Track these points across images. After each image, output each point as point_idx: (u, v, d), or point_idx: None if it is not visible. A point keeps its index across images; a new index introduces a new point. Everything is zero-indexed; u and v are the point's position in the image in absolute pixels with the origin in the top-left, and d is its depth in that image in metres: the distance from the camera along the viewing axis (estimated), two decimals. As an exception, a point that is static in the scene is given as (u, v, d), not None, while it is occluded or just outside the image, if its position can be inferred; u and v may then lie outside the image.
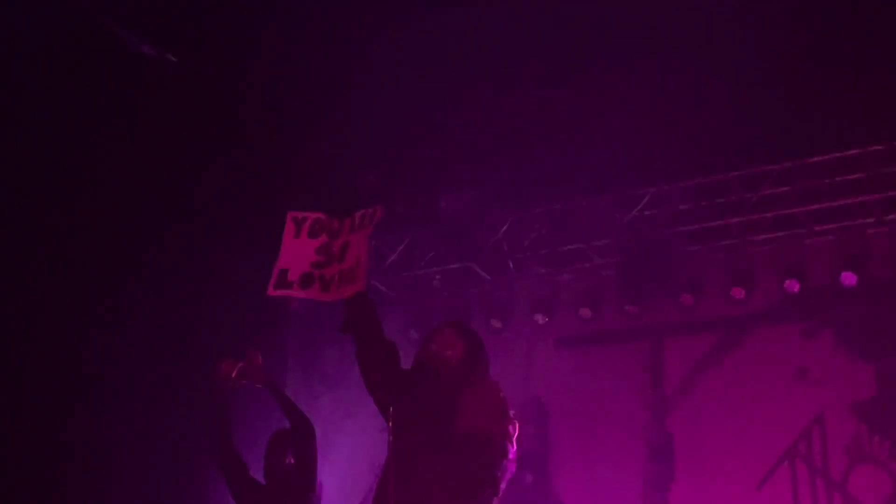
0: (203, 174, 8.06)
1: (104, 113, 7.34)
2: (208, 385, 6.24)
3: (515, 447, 3.78)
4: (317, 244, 4.04)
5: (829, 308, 7.76)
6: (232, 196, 8.34)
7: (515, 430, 3.79)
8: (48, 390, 7.53)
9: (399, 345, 4.07)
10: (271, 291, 4.06)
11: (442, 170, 8.15)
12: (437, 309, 9.11)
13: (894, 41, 6.72)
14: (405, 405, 3.74)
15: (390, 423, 3.66)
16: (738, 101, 7.09)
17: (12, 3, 6.59)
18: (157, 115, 7.39)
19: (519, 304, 8.96)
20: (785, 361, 7.78)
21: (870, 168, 7.49)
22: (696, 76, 7.03)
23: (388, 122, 7.54)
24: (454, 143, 7.77)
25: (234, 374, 6.01)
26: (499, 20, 7.08)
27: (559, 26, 7.15)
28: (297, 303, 9.62)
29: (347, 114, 7.55)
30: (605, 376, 8.47)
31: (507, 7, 6.99)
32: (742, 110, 7.08)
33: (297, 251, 4.04)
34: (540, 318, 8.73)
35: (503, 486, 3.73)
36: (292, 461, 6.07)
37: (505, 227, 8.72)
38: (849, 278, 7.54)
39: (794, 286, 7.77)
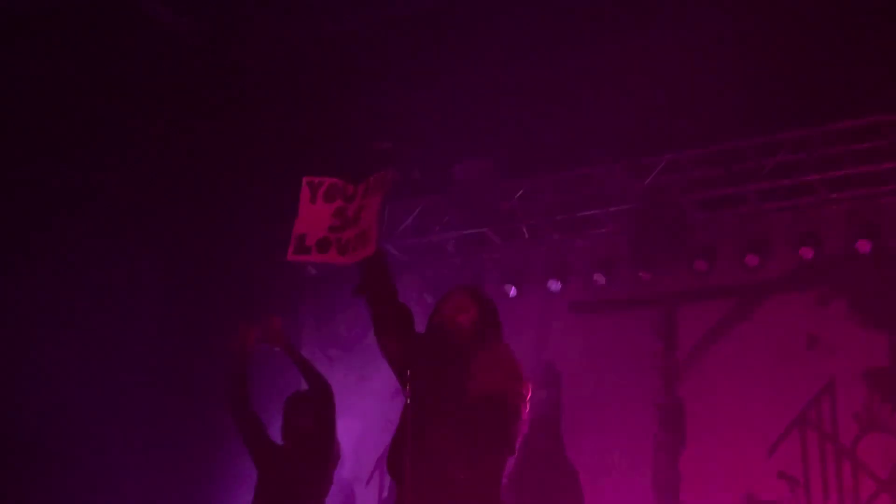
0: (216, 141, 8.07)
1: (115, 80, 7.35)
2: (226, 350, 6.32)
3: (529, 408, 3.82)
4: (333, 208, 4.08)
5: (842, 276, 7.75)
6: (245, 164, 8.36)
7: (528, 392, 3.84)
8: (62, 355, 7.61)
9: (413, 310, 4.11)
10: (290, 256, 4.11)
11: (456, 136, 8.14)
12: (451, 274, 9.14)
13: (913, 7, 6.66)
14: (419, 368, 3.77)
15: (405, 386, 3.69)
16: (754, 67, 7.06)
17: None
18: (168, 81, 7.39)
19: (533, 270, 8.97)
20: (798, 329, 7.78)
21: (887, 136, 7.44)
22: (713, 42, 6.99)
23: (403, 89, 7.53)
24: (469, 109, 7.76)
25: (252, 337, 6.09)
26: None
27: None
28: (312, 267, 9.68)
29: (361, 81, 7.55)
30: (617, 342, 8.49)
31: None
32: (758, 77, 7.05)
33: (313, 216, 4.08)
34: (553, 284, 8.75)
35: (517, 446, 3.78)
36: (310, 422, 6.14)
37: (519, 194, 8.72)
38: (864, 246, 7.53)
39: (808, 253, 7.76)
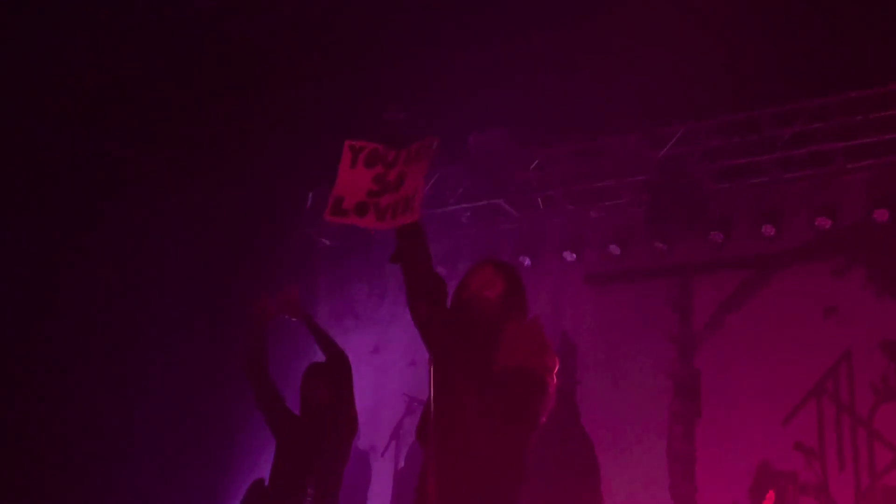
0: (234, 115, 8.07)
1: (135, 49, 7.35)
2: (244, 320, 6.35)
3: (556, 381, 3.81)
4: (372, 174, 4.04)
5: (859, 246, 7.71)
6: (263, 135, 8.35)
7: (556, 365, 3.83)
8: (89, 322, 7.67)
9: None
10: (328, 217, 4.08)
11: (472, 106, 8.11)
12: (466, 245, 9.15)
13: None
14: (447, 342, 3.76)
15: (432, 359, 3.68)
16: (771, 35, 6.99)
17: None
18: (186, 53, 7.39)
19: (548, 241, 8.96)
20: (814, 299, 7.76)
21: (904, 104, 7.39)
22: (729, 9, 6.92)
23: (419, 58, 7.49)
24: (484, 78, 7.72)
25: (271, 308, 6.11)
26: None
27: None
28: (326, 238, 9.70)
29: (378, 49, 7.51)
30: (633, 313, 8.49)
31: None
32: (775, 45, 6.98)
33: (352, 180, 4.05)
34: (568, 255, 8.75)
35: (543, 419, 3.78)
36: (325, 394, 6.17)
37: (534, 164, 8.70)
38: (881, 215, 7.48)
39: (825, 223, 7.73)
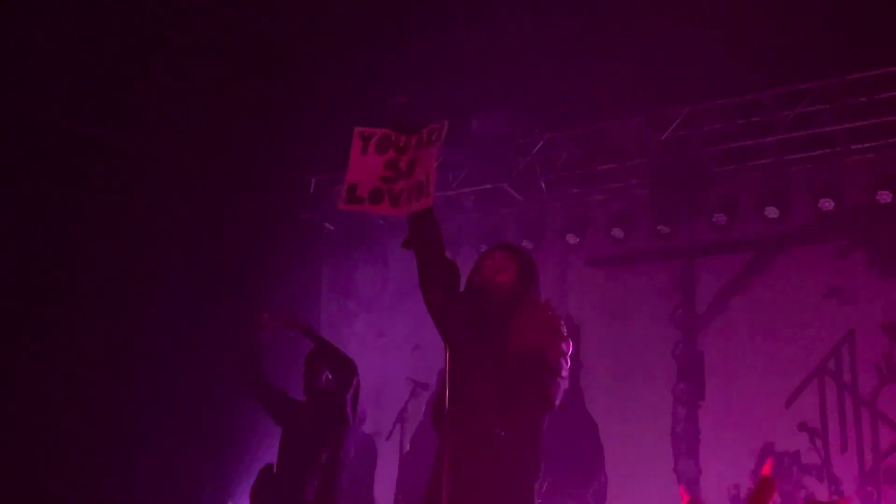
0: (237, 100, 8.07)
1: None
2: (245, 310, 6.42)
3: (569, 364, 3.83)
4: (384, 160, 4.03)
5: (863, 227, 7.72)
6: (265, 122, 8.35)
7: (569, 348, 3.85)
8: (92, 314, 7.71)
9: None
10: (342, 206, 4.07)
11: (474, 90, 8.10)
12: (469, 230, 9.16)
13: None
14: (460, 326, 3.77)
15: (446, 343, 3.70)
16: (773, 17, 6.97)
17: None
18: (191, 34, 7.38)
19: (551, 224, 8.98)
20: (817, 280, 7.78)
21: (908, 86, 7.37)
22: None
23: (420, 42, 7.48)
24: (486, 62, 7.70)
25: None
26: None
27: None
28: (329, 223, 9.72)
29: (379, 34, 7.50)
30: (636, 296, 8.52)
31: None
32: (777, 27, 6.96)
33: (365, 166, 4.04)
34: (572, 239, 8.76)
35: (557, 402, 3.80)
36: (327, 377, 6.22)
37: (537, 148, 8.69)
38: (884, 197, 7.48)
39: (828, 205, 7.73)
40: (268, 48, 7.57)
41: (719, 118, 8.04)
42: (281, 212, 9.42)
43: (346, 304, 9.79)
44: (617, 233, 8.53)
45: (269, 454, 6.62)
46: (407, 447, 7.71)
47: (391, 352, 9.30)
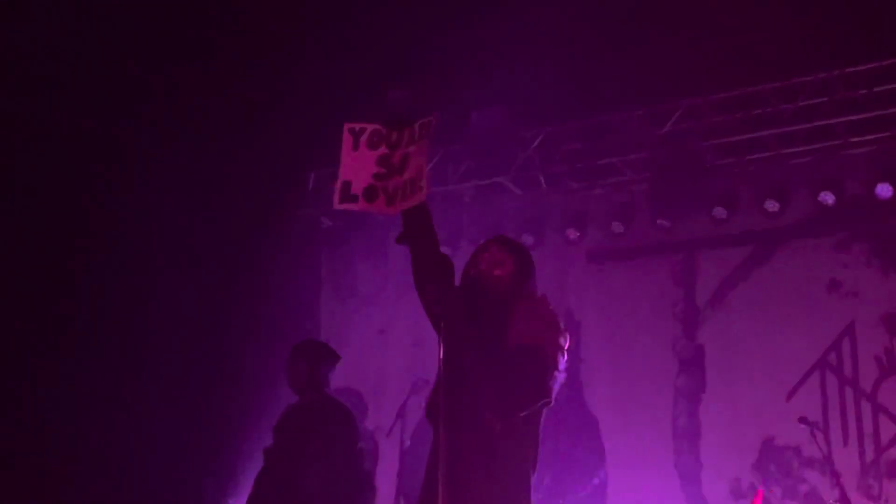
0: (236, 94, 8.07)
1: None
2: (244, 306, 6.38)
3: (566, 358, 3.82)
4: (376, 156, 3.99)
5: (863, 220, 7.70)
6: (264, 117, 8.34)
7: (566, 342, 3.84)
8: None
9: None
10: (337, 205, 4.04)
11: (473, 84, 8.08)
12: (469, 224, 9.14)
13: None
14: (457, 320, 3.75)
15: (441, 338, 3.68)
16: (772, 9, 6.95)
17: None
18: (190, 26, 7.37)
19: (550, 218, 8.96)
20: (818, 274, 7.77)
21: (908, 78, 7.35)
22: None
23: (418, 36, 7.47)
24: (485, 56, 7.69)
25: None
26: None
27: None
28: (326, 219, 9.70)
29: (377, 28, 7.48)
30: (636, 290, 8.50)
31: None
32: (777, 20, 6.95)
33: (356, 163, 4.00)
34: (572, 233, 8.74)
35: (554, 396, 3.78)
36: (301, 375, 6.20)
37: (536, 142, 8.68)
38: (884, 190, 7.46)
39: (829, 198, 7.71)
40: (265, 42, 7.56)
41: (719, 111, 8.03)
42: (279, 207, 9.41)
43: (345, 300, 9.77)
44: (617, 227, 8.51)
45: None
46: (407, 443, 7.70)
47: (391, 347, 9.29)
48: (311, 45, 7.67)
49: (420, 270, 3.97)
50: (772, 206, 7.92)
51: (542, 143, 8.66)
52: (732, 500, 7.70)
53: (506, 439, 3.70)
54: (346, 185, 4.01)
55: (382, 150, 4.01)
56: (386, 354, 9.29)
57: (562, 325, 3.86)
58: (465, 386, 3.67)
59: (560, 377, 3.79)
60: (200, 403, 8.34)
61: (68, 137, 7.69)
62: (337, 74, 7.85)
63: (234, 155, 8.69)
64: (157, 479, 7.89)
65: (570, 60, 7.65)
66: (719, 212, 8.10)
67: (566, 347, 3.83)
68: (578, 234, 8.73)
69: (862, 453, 7.39)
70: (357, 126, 4.08)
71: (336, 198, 4.03)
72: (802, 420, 6.90)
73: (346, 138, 4.06)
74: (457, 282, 3.97)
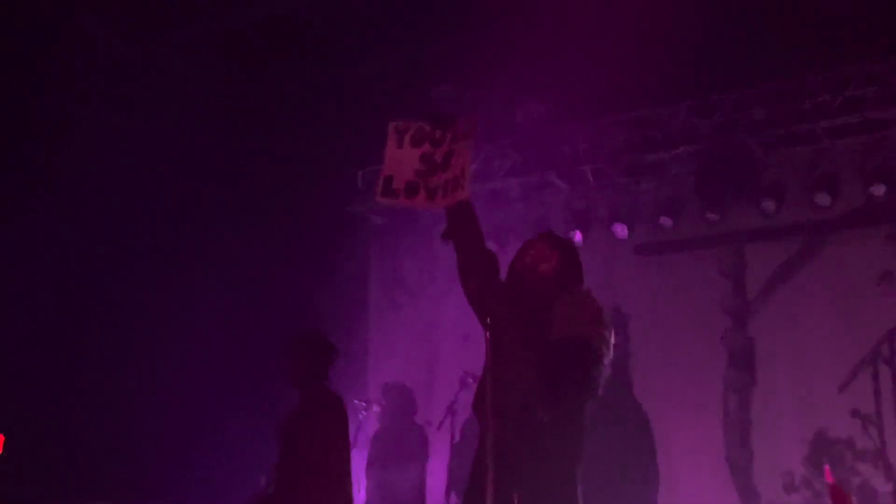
0: (286, 94, 8.17)
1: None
2: (294, 303, 6.41)
3: (612, 352, 3.84)
4: (420, 153, 4.08)
5: (915, 211, 7.62)
6: (314, 116, 8.43)
7: (612, 336, 3.86)
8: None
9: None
10: (378, 198, 4.14)
11: (519, 79, 8.10)
12: (516, 220, 9.17)
13: None
14: (503, 315, 3.80)
15: (487, 333, 3.73)
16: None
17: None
18: (238, 28, 7.47)
19: (598, 213, 8.96)
20: (869, 265, 7.68)
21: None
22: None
23: (464, 32, 7.51)
24: (531, 52, 7.71)
25: None
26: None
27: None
28: (377, 216, 9.79)
29: (424, 25, 7.54)
30: (685, 284, 8.47)
31: None
32: (824, 9, 6.89)
33: (400, 160, 4.09)
34: (619, 227, 8.73)
35: (600, 389, 3.81)
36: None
37: (583, 137, 8.68)
38: (937, 180, 7.38)
39: (879, 190, 7.63)
40: (316, 41, 7.65)
41: (767, 103, 7.97)
42: (329, 205, 9.51)
43: (394, 295, 9.84)
44: (665, 221, 8.49)
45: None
46: (458, 437, 7.75)
47: (440, 342, 9.34)
48: (359, 43, 7.74)
49: (465, 266, 4.03)
50: (821, 198, 7.86)
51: (589, 138, 8.66)
52: (785, 493, 7.65)
53: (552, 432, 3.73)
54: (388, 179, 4.10)
55: (426, 147, 4.09)
56: (435, 348, 9.34)
57: (607, 319, 3.88)
58: (512, 379, 3.70)
59: (606, 370, 3.81)
60: (250, 399, 8.46)
61: (116, 135, 7.84)
62: (384, 72, 7.92)
63: (284, 153, 8.80)
64: (204, 475, 8.01)
65: (616, 54, 7.65)
66: (768, 204, 8.05)
67: (612, 341, 3.85)
68: (626, 228, 8.72)
69: (917, 446, 7.31)
70: (402, 123, 4.16)
71: (377, 191, 4.11)
72: (856, 413, 6.85)
73: (391, 135, 4.15)
74: (501, 277, 4.02)
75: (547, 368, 3.70)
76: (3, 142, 7.26)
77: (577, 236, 8.74)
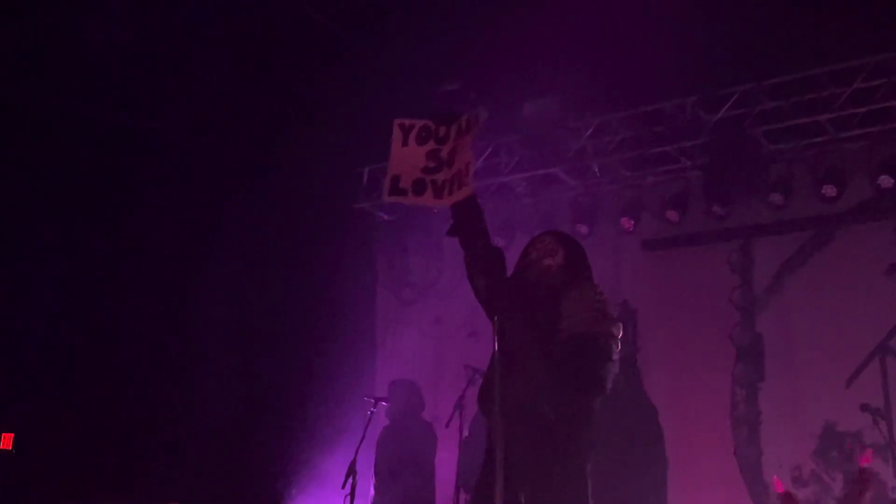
0: (294, 91, 8.17)
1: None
2: (301, 300, 6.44)
3: (620, 348, 3.84)
4: (426, 151, 4.10)
5: (923, 203, 7.60)
6: (319, 113, 8.44)
7: (619, 332, 3.86)
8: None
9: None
10: (386, 198, 4.15)
11: (525, 75, 8.09)
12: (523, 215, 9.16)
13: None
14: (510, 310, 3.79)
15: (495, 328, 3.73)
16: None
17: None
18: (244, 27, 7.48)
19: (605, 208, 8.95)
20: (876, 258, 7.66)
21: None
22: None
23: (471, 29, 7.50)
24: (537, 47, 7.70)
25: None
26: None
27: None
28: (383, 212, 9.79)
29: (431, 21, 7.53)
30: (692, 278, 8.46)
31: None
32: (832, 2, 6.87)
33: (406, 158, 4.11)
34: (626, 222, 8.72)
35: (608, 385, 3.81)
36: None
37: (589, 132, 8.67)
38: (944, 172, 7.36)
39: (887, 182, 7.61)
40: (320, 39, 7.65)
41: (773, 96, 7.95)
42: (335, 202, 9.52)
43: (401, 292, 9.85)
44: (672, 215, 8.48)
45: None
46: (466, 433, 7.75)
47: (447, 338, 9.34)
48: (365, 40, 7.74)
49: (471, 262, 4.03)
50: (829, 190, 7.84)
51: (595, 133, 8.65)
52: (793, 487, 7.64)
53: (560, 429, 3.73)
54: (396, 178, 4.11)
55: (431, 144, 4.10)
56: (442, 345, 9.35)
57: (615, 315, 3.87)
58: (520, 377, 3.70)
59: (614, 367, 3.80)
60: (258, 393, 8.48)
61: (126, 136, 7.85)
62: (389, 70, 7.92)
63: (291, 152, 8.81)
64: (213, 472, 8.03)
65: (622, 48, 7.63)
66: (775, 198, 8.03)
67: (620, 337, 3.84)
68: (633, 222, 8.71)
69: (926, 439, 7.29)
70: (407, 122, 4.17)
71: (385, 191, 4.12)
72: (864, 407, 6.84)
73: (396, 134, 4.16)
74: (508, 273, 4.01)
75: (556, 366, 3.69)
76: (14, 139, 7.31)
77: (584, 230, 8.73)
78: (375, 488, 8.30)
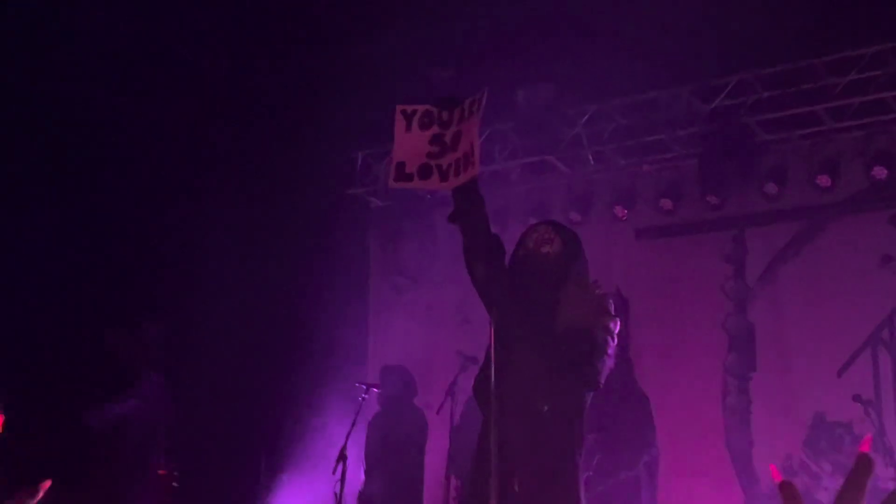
0: (285, 78, 8.14)
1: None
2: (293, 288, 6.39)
3: (616, 343, 3.83)
4: (429, 135, 4.09)
5: (916, 194, 7.59)
6: (311, 98, 8.40)
7: (616, 327, 3.85)
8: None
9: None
10: (392, 184, 4.15)
11: (519, 62, 8.06)
12: (516, 203, 9.14)
13: None
14: (507, 300, 3.79)
15: (492, 318, 3.71)
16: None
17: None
18: (235, 13, 7.45)
19: (598, 196, 8.93)
20: (869, 249, 7.67)
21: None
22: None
23: (465, 14, 7.47)
24: (531, 34, 7.67)
25: None
26: None
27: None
28: (376, 199, 9.77)
29: (424, 6, 7.50)
30: (686, 267, 8.45)
31: None
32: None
33: (410, 144, 4.10)
34: (620, 211, 8.71)
35: (602, 380, 3.80)
36: None
37: (584, 119, 8.64)
38: (939, 163, 7.35)
39: (881, 173, 7.61)
40: (312, 22, 7.61)
41: (769, 86, 7.93)
42: (328, 188, 9.50)
43: (394, 279, 9.83)
44: (665, 204, 8.47)
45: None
46: (457, 420, 7.75)
47: (439, 325, 9.33)
48: (358, 24, 7.70)
49: (471, 250, 4.01)
50: (823, 181, 7.84)
51: (590, 121, 8.62)
52: (784, 477, 7.64)
53: (554, 421, 3.73)
54: (401, 165, 4.10)
55: (434, 129, 4.09)
56: (434, 332, 9.33)
57: (612, 310, 3.87)
58: (514, 368, 3.70)
59: (609, 362, 3.80)
60: (248, 380, 8.47)
61: (123, 123, 7.83)
62: (383, 55, 7.89)
63: (283, 137, 8.78)
64: (212, 454, 8.03)
65: (617, 36, 7.61)
66: (770, 188, 8.02)
67: (616, 332, 3.84)
68: (627, 211, 8.69)
69: (916, 429, 7.30)
70: (409, 108, 4.16)
71: (391, 177, 4.11)
72: (856, 398, 6.84)
73: (399, 120, 4.15)
74: (506, 262, 4.00)
75: (550, 360, 3.69)
76: (16, 132, 7.29)
77: (577, 218, 8.71)
78: (366, 473, 8.30)
